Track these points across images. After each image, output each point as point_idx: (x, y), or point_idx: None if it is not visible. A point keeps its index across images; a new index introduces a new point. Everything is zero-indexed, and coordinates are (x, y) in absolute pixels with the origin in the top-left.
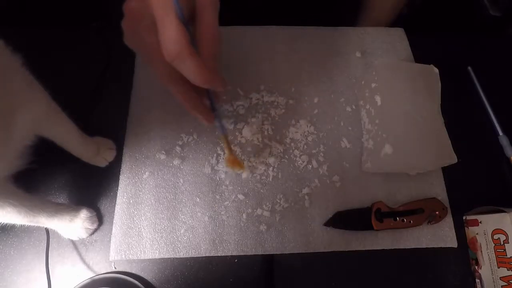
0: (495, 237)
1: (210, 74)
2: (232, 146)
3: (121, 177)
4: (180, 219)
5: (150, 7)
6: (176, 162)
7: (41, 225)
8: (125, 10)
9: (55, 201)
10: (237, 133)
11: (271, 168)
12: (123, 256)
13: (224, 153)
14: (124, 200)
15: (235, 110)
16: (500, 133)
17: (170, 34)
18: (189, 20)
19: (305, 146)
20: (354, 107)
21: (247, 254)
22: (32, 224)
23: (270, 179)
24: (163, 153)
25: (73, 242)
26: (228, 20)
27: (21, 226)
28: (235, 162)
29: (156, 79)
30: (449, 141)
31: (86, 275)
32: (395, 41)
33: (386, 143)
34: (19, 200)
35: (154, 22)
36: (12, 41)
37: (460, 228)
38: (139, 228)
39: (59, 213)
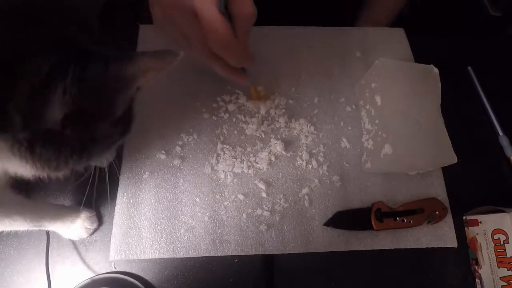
0: (495, 237)
1: (246, 57)
2: (232, 146)
3: (121, 177)
4: (180, 219)
5: None
6: (176, 162)
7: (43, 228)
8: (161, 1)
9: (55, 202)
10: (236, 132)
11: (271, 168)
12: (123, 256)
13: (223, 153)
14: (124, 200)
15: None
16: (500, 133)
17: (215, 26)
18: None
19: (305, 146)
20: (354, 107)
21: (247, 254)
22: (35, 228)
23: (270, 179)
24: (163, 153)
25: (73, 242)
26: None
27: None
28: (258, 96)
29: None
30: (449, 141)
31: (86, 275)
32: (395, 41)
33: (386, 143)
34: (25, 207)
35: (193, 12)
36: None
37: (460, 228)
38: (139, 228)
39: (62, 215)
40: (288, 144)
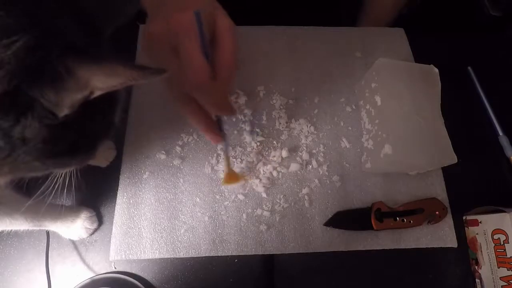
0: (495, 237)
1: (224, 105)
2: (232, 146)
3: (121, 177)
4: (180, 219)
5: (173, 33)
6: (176, 162)
7: (44, 228)
8: (146, 33)
9: (55, 202)
10: (236, 132)
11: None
12: (123, 256)
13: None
14: (124, 200)
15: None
16: (500, 133)
17: (193, 65)
18: (209, 44)
19: (305, 146)
20: (354, 107)
21: (247, 254)
22: (36, 228)
23: (270, 179)
24: (163, 153)
25: (73, 242)
26: None
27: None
28: (233, 177)
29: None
30: (449, 141)
31: (86, 275)
32: (395, 41)
33: (386, 143)
34: (25, 207)
35: (175, 47)
36: None
37: (460, 228)
38: (139, 228)
39: (62, 215)
40: (288, 144)
